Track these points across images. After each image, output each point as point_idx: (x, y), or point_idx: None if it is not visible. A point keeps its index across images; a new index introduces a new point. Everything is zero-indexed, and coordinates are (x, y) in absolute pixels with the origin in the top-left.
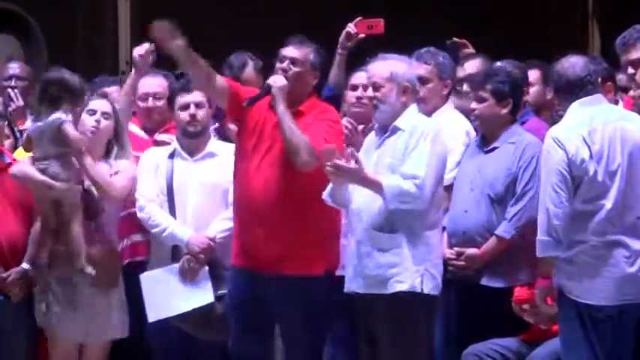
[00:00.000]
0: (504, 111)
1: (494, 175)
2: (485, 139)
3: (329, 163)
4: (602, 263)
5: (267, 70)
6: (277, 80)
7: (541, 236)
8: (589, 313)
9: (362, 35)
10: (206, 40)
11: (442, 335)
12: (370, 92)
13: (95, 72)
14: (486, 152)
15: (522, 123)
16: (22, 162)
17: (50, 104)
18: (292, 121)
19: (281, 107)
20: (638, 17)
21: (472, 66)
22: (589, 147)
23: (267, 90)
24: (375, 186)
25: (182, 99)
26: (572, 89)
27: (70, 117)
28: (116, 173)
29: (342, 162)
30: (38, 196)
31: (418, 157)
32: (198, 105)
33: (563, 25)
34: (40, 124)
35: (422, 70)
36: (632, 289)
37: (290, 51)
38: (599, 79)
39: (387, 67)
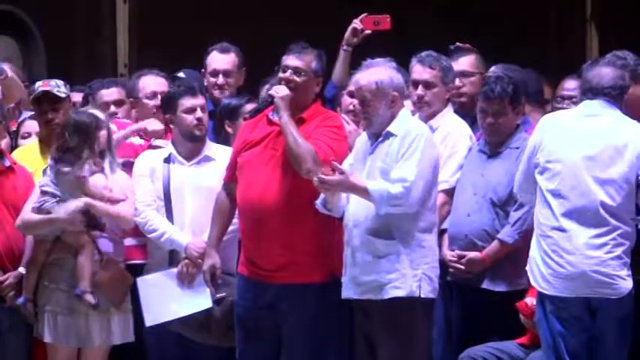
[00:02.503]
0: (518, 118)
1: (497, 180)
2: (490, 145)
3: (314, 178)
4: (554, 253)
5: (266, 70)
6: (279, 90)
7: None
8: (553, 310)
9: (368, 31)
10: (204, 42)
11: (442, 338)
12: (359, 107)
13: (93, 75)
14: (490, 157)
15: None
16: (23, 212)
17: (71, 152)
18: (296, 130)
19: (284, 117)
20: (636, 18)
21: (466, 62)
22: (555, 132)
23: (269, 100)
24: (362, 192)
25: (188, 102)
26: (590, 95)
27: (89, 170)
28: (111, 190)
29: (326, 176)
30: (42, 237)
31: (408, 161)
32: (202, 108)
33: (561, 26)
34: (65, 169)
35: (427, 75)
36: (588, 283)
37: (292, 60)
38: (624, 96)
39: (373, 77)
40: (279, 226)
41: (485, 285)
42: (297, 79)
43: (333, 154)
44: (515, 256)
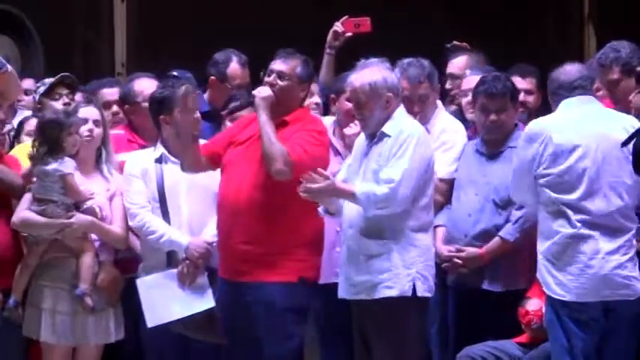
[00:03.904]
0: (516, 115)
1: (499, 180)
2: (488, 145)
3: (300, 189)
4: (573, 259)
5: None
6: (261, 91)
7: None
8: (570, 314)
9: (349, 34)
10: (202, 42)
11: (439, 338)
12: (354, 109)
13: (91, 73)
14: (491, 157)
15: None
16: (20, 209)
17: (50, 147)
18: (272, 131)
19: (263, 116)
20: (634, 18)
21: (460, 63)
22: (558, 142)
23: (250, 100)
24: (350, 196)
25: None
26: (563, 92)
27: (71, 166)
28: (112, 196)
29: (310, 184)
30: (38, 237)
31: (397, 162)
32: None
33: (559, 24)
34: (45, 167)
35: (422, 90)
36: (609, 286)
37: (277, 65)
38: (595, 85)
39: (366, 79)
40: (249, 223)
41: (485, 286)
42: (279, 82)
43: (307, 157)
44: (513, 256)
